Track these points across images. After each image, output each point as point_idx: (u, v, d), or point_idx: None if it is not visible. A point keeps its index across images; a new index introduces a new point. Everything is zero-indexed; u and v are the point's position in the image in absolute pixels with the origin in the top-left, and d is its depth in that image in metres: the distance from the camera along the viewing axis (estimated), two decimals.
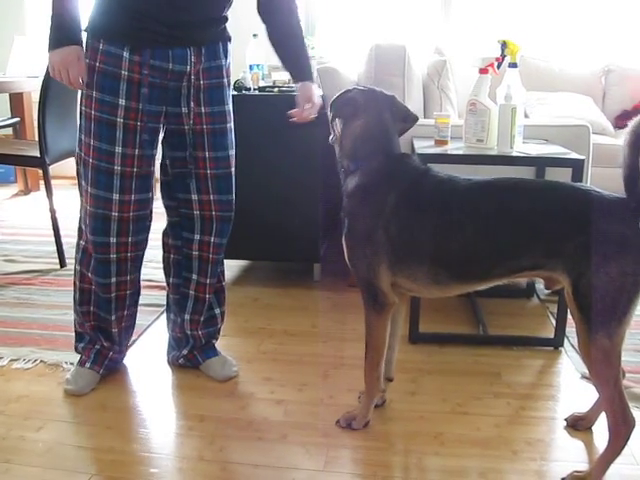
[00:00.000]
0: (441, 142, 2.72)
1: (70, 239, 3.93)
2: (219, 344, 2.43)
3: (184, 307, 2.35)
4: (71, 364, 2.43)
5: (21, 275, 3.46)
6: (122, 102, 2.01)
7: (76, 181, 3.91)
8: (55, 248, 3.61)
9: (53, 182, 3.63)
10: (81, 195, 2.20)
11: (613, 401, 1.72)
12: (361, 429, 2.05)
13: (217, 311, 2.40)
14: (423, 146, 2.68)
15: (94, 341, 2.30)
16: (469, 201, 1.85)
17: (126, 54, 1.98)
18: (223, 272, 2.39)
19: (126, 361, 2.49)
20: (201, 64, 2.08)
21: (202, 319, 2.35)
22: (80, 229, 2.23)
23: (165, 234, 2.36)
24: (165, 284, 2.44)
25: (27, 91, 5.07)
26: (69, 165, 3.97)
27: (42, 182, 3.76)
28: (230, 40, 2.18)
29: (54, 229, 3.59)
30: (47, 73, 3.38)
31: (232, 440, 2.01)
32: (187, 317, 2.35)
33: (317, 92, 2.29)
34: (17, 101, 5.22)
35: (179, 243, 2.31)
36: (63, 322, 2.83)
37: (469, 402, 2.23)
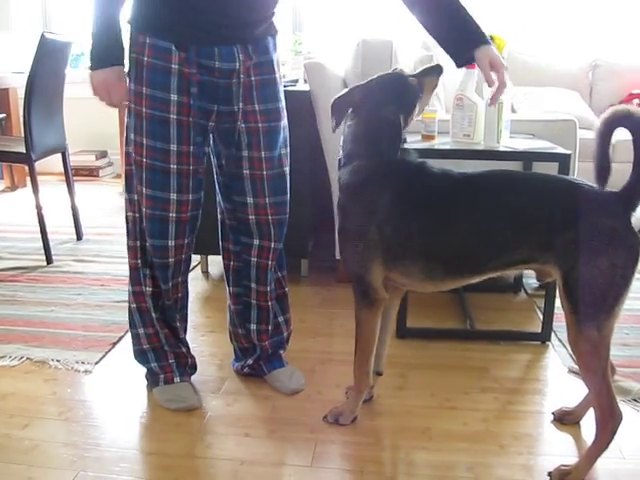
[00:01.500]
0: (428, 137, 2.72)
1: (57, 236, 3.95)
2: (211, 340, 2.42)
3: (248, 317, 2.28)
4: (57, 361, 2.42)
5: (7, 272, 3.44)
6: (174, 97, 1.93)
7: (63, 177, 3.95)
8: (41, 245, 3.58)
9: (39, 178, 3.61)
10: (129, 196, 2.09)
11: (601, 393, 1.73)
12: (349, 424, 2.05)
13: (280, 319, 2.33)
14: (410, 141, 2.67)
15: (167, 354, 2.21)
16: (463, 197, 1.84)
17: (175, 48, 1.90)
18: (285, 277, 2.31)
19: (112, 357, 2.50)
20: (251, 61, 1.99)
21: (270, 328, 2.28)
22: (129, 231, 2.14)
23: (225, 239, 2.26)
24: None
25: (12, 87, 5.05)
26: (55, 161, 3.98)
27: (28, 178, 3.73)
28: (277, 33, 2.09)
29: (40, 225, 3.57)
30: (32, 69, 3.40)
31: (220, 436, 2.00)
32: (253, 327, 2.27)
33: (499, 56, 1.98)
34: (2, 97, 5.19)
35: (238, 249, 2.23)
36: (49, 319, 2.82)
37: (457, 397, 2.23)
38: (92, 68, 1.95)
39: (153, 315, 2.16)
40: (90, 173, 6.04)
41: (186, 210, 2.05)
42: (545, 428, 2.07)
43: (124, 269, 3.39)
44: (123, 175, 2.10)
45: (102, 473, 1.82)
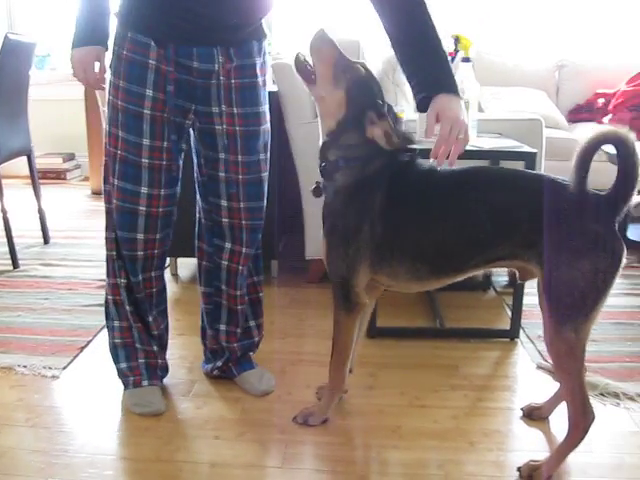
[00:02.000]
0: None
1: (23, 240, 3.91)
2: (181, 343, 2.40)
3: (218, 317, 2.26)
4: (24, 367, 2.39)
5: None
6: (149, 93, 1.92)
7: (29, 180, 3.90)
8: (7, 249, 3.52)
9: (4, 182, 3.54)
10: (105, 188, 2.08)
11: (574, 393, 1.75)
12: (319, 425, 2.04)
13: (252, 323, 2.31)
14: None
15: (137, 353, 2.19)
16: (449, 193, 1.84)
17: (153, 44, 1.90)
18: (260, 282, 2.30)
19: (80, 362, 2.47)
20: (232, 63, 1.97)
21: (238, 331, 2.26)
22: (106, 223, 2.12)
23: (199, 238, 2.25)
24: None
25: None
26: (21, 164, 3.92)
27: None
28: (265, 37, 2.06)
29: (6, 230, 3.51)
30: None
31: (189, 440, 1.99)
32: (222, 328, 2.26)
33: (458, 107, 1.85)
34: None
35: (211, 250, 2.21)
36: (16, 324, 2.78)
37: (427, 395, 2.24)
38: (72, 46, 1.96)
39: (127, 308, 2.15)
40: (57, 176, 5.97)
41: (157, 204, 2.03)
42: (514, 424, 2.08)
43: (92, 273, 3.39)
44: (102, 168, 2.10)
45: (71, 478, 1.80)
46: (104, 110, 2.01)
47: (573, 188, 1.67)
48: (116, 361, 2.22)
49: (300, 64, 1.90)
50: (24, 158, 3.85)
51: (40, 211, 3.96)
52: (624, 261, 1.68)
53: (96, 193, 5.34)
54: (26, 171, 3.93)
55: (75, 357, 2.50)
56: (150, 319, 2.18)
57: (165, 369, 2.28)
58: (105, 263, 2.16)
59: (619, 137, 1.63)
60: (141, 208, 2.01)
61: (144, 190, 2.00)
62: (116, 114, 1.97)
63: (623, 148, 1.63)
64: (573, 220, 1.69)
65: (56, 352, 2.53)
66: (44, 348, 2.56)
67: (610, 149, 1.67)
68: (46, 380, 2.33)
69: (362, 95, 1.87)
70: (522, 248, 1.76)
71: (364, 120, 1.85)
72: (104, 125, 2.05)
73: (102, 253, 2.18)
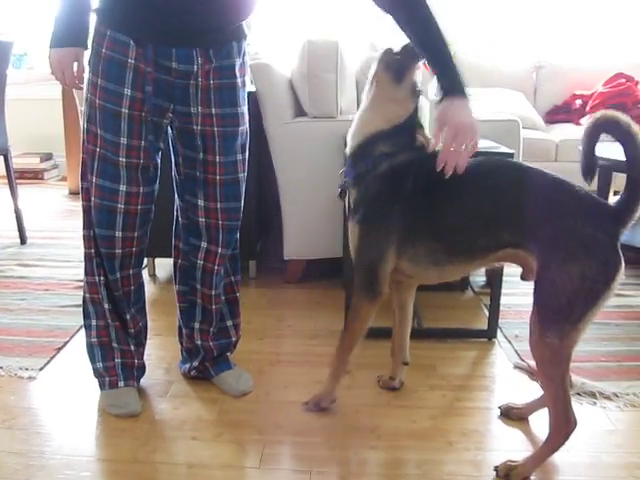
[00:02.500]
0: None
1: (0, 240, 3.87)
2: (158, 343, 2.39)
3: (192, 316, 2.26)
4: (0, 368, 2.36)
5: None
6: (127, 92, 1.91)
7: (6, 180, 3.86)
8: None
9: None
10: (83, 185, 2.07)
11: (557, 400, 1.74)
12: (298, 424, 2.05)
13: (229, 323, 2.31)
14: None
15: (113, 352, 2.18)
16: (462, 178, 1.84)
17: (133, 43, 1.89)
18: (238, 282, 2.30)
19: (57, 363, 2.45)
20: (211, 64, 1.96)
21: (212, 330, 2.26)
22: (83, 220, 2.11)
23: (176, 237, 2.26)
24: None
25: None
26: None
27: None
28: (246, 38, 2.06)
29: None
30: None
31: (166, 440, 1.98)
32: (197, 326, 2.26)
33: (463, 111, 1.82)
34: None
35: (187, 249, 2.21)
36: None
37: (405, 395, 2.25)
38: (50, 45, 1.96)
39: (105, 306, 2.14)
40: (35, 176, 5.93)
41: (136, 202, 2.03)
42: (492, 424, 2.09)
43: (69, 273, 3.37)
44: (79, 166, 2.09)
45: None
46: (82, 109, 1.98)
47: (582, 177, 1.70)
48: (92, 361, 2.20)
49: (393, 60, 2.00)
50: (0, 158, 3.82)
51: (17, 211, 3.93)
52: (620, 277, 1.65)
53: (74, 193, 5.30)
54: (2, 171, 3.90)
55: (52, 358, 2.48)
56: (128, 317, 2.17)
57: (142, 369, 2.26)
58: (83, 262, 2.15)
59: (619, 124, 1.62)
60: (119, 206, 2.01)
61: (122, 188, 1.99)
62: (94, 112, 1.96)
63: (627, 139, 1.62)
64: (571, 220, 1.68)
65: (33, 353, 2.51)
66: (21, 349, 2.54)
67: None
68: (23, 381, 2.31)
69: (417, 108, 2.00)
70: (525, 237, 1.76)
71: (415, 127, 1.99)
72: (82, 124, 2.04)
73: (79, 253, 2.17)
